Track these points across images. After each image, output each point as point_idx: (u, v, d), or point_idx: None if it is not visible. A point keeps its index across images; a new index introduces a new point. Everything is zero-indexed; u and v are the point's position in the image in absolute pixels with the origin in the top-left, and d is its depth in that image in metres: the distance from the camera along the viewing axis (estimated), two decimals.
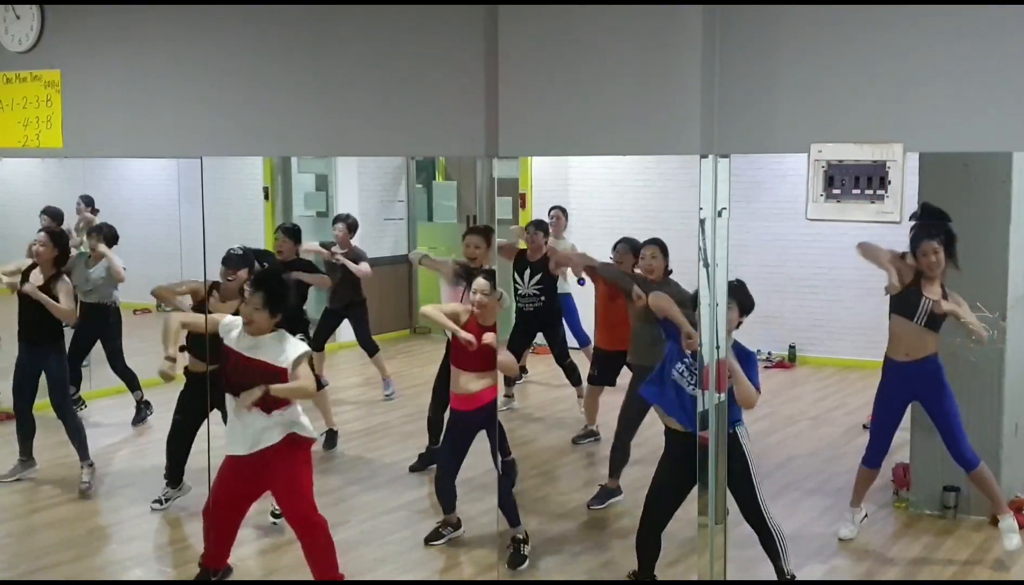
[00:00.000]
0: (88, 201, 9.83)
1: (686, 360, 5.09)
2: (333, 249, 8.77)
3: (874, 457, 6.29)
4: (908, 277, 6.05)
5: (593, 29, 4.05)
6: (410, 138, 4.60)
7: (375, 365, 9.35)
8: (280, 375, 4.90)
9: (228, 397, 5.05)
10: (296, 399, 5.01)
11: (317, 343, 9.18)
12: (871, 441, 6.31)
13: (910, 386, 6.10)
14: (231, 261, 6.48)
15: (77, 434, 7.16)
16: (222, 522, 5.18)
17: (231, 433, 5.08)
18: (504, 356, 5.86)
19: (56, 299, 6.92)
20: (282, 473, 5.03)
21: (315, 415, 7.85)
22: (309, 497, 5.08)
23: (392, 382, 9.45)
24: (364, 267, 8.73)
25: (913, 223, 6.08)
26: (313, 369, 7.64)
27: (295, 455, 5.05)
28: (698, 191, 3.99)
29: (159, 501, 6.78)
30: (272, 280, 5.14)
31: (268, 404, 4.93)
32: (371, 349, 9.25)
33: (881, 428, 6.27)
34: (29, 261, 7.16)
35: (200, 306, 6.28)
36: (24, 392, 7.21)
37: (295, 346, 5.02)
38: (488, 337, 5.78)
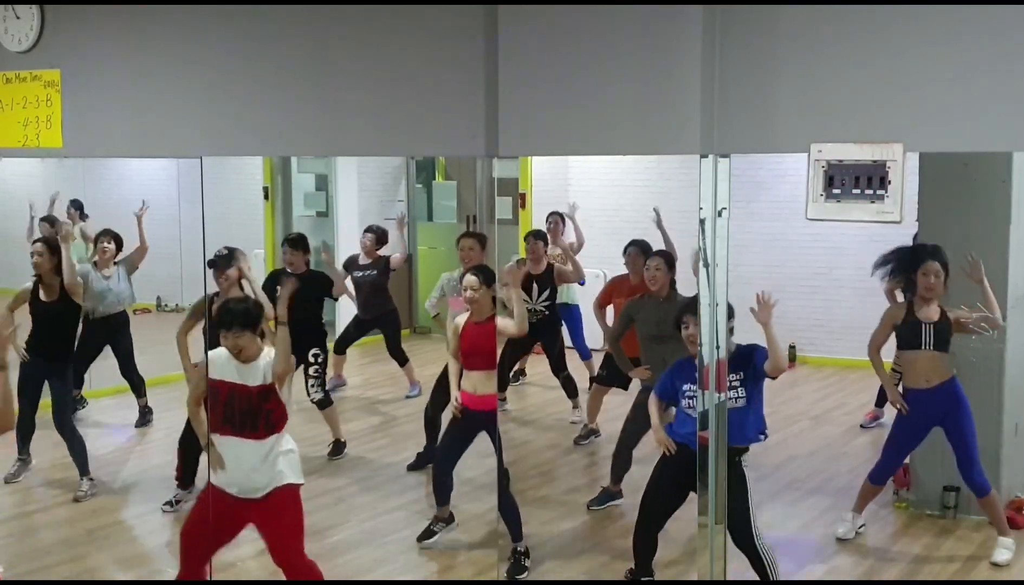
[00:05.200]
0: (78, 206, 9.80)
1: (689, 393, 5.17)
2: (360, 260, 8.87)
3: (881, 476, 6.28)
4: (901, 314, 6.07)
5: (593, 29, 4.05)
6: (410, 138, 4.59)
7: (405, 373, 9.34)
8: (270, 391, 4.87)
9: (217, 436, 4.97)
10: (284, 359, 4.87)
11: (340, 346, 9.23)
12: (882, 460, 6.28)
13: (934, 412, 6.05)
14: (218, 263, 6.49)
15: (78, 452, 7.14)
16: (200, 547, 5.09)
17: (228, 468, 4.97)
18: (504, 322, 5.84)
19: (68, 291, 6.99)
20: (271, 520, 4.96)
21: (322, 429, 7.88)
22: (298, 543, 5.00)
23: (418, 386, 9.39)
24: (397, 257, 8.94)
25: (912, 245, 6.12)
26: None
27: (284, 501, 4.95)
28: (698, 191, 3.99)
29: (170, 503, 6.78)
30: (236, 305, 5.07)
31: (263, 424, 4.89)
32: (401, 359, 9.29)
33: (897, 452, 6.25)
34: (29, 284, 7.15)
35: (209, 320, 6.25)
36: (32, 398, 7.21)
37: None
38: (500, 321, 5.77)
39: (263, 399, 4.86)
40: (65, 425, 7.13)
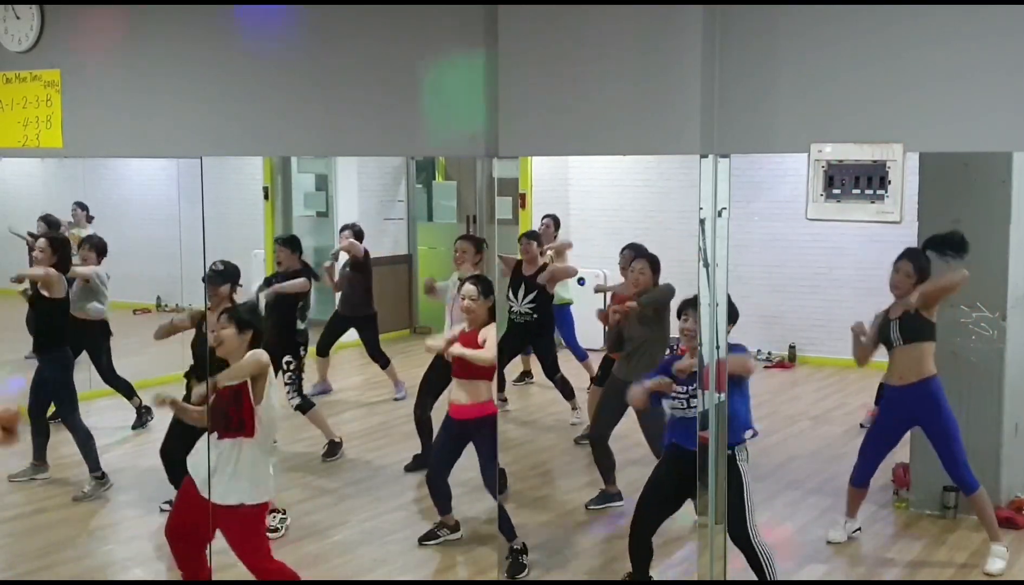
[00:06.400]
0: (83, 207, 9.82)
1: (671, 395, 5.21)
2: (335, 253, 8.84)
3: (862, 477, 6.26)
4: (881, 318, 6.11)
5: (593, 29, 4.05)
6: (410, 138, 4.59)
7: (388, 375, 9.36)
8: (239, 393, 4.91)
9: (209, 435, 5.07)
10: (238, 376, 4.90)
11: (322, 348, 9.20)
12: (860, 460, 6.26)
13: (908, 410, 6.05)
14: (213, 279, 6.49)
15: (87, 445, 7.14)
16: (190, 542, 5.12)
17: (197, 465, 5.04)
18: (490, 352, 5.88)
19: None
20: (236, 532, 5.01)
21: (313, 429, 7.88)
22: (264, 549, 5.06)
23: (403, 387, 9.42)
24: (355, 245, 8.83)
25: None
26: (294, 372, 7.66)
27: (256, 517, 5.02)
28: (698, 191, 3.99)
29: (169, 503, 6.76)
30: (237, 305, 5.27)
31: (232, 424, 4.92)
32: (382, 361, 9.29)
33: (874, 451, 6.23)
34: (32, 272, 7.19)
35: (201, 330, 6.25)
36: (39, 399, 7.24)
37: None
38: (484, 333, 5.80)
39: (232, 400, 4.91)
40: (68, 418, 7.14)
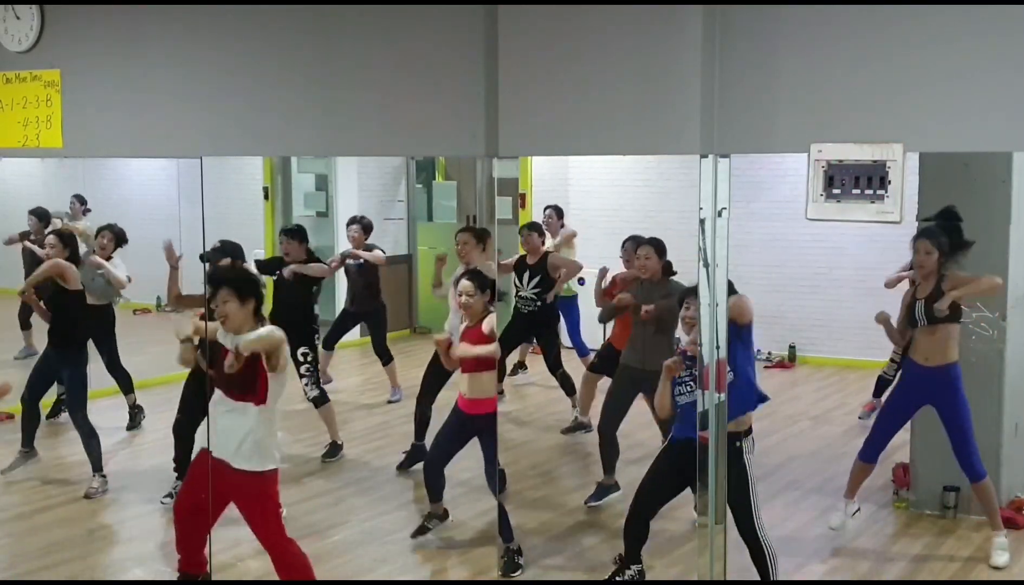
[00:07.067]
0: (82, 200, 9.83)
1: (680, 378, 5.17)
2: (352, 252, 8.80)
3: (871, 452, 6.27)
4: (909, 296, 6.09)
5: (593, 29, 4.05)
6: (410, 138, 4.59)
7: (387, 373, 9.34)
8: (257, 358, 4.90)
9: (216, 395, 5.07)
10: (264, 347, 4.86)
11: (328, 342, 9.19)
12: (871, 436, 6.29)
13: (926, 390, 6.06)
14: (213, 257, 6.45)
15: (92, 445, 7.13)
16: (195, 522, 5.14)
17: (216, 433, 5.05)
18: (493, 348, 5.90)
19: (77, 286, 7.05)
20: (254, 501, 5.02)
21: (320, 429, 7.88)
22: (278, 524, 5.06)
23: (400, 391, 9.42)
24: (377, 253, 8.80)
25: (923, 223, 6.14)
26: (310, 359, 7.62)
27: (265, 485, 5.01)
28: (698, 191, 3.99)
29: (170, 495, 6.78)
30: (228, 271, 5.13)
31: (240, 386, 4.92)
32: (385, 357, 9.26)
33: (886, 425, 6.25)
34: (42, 269, 7.20)
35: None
36: (36, 387, 7.28)
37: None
38: (488, 323, 5.83)
39: (248, 365, 4.89)
40: (78, 417, 7.13)
